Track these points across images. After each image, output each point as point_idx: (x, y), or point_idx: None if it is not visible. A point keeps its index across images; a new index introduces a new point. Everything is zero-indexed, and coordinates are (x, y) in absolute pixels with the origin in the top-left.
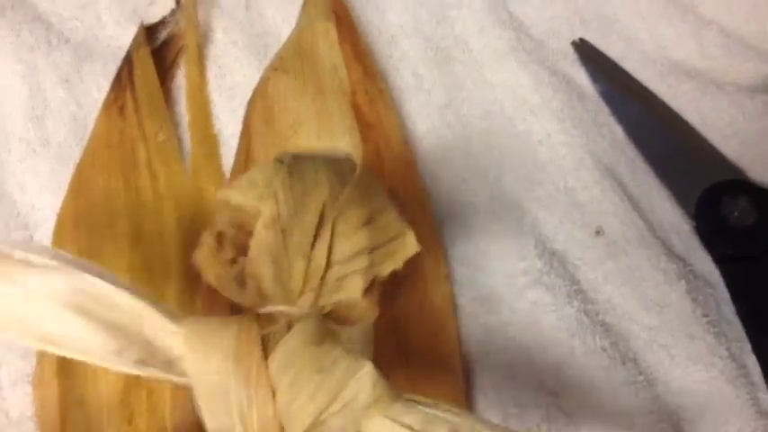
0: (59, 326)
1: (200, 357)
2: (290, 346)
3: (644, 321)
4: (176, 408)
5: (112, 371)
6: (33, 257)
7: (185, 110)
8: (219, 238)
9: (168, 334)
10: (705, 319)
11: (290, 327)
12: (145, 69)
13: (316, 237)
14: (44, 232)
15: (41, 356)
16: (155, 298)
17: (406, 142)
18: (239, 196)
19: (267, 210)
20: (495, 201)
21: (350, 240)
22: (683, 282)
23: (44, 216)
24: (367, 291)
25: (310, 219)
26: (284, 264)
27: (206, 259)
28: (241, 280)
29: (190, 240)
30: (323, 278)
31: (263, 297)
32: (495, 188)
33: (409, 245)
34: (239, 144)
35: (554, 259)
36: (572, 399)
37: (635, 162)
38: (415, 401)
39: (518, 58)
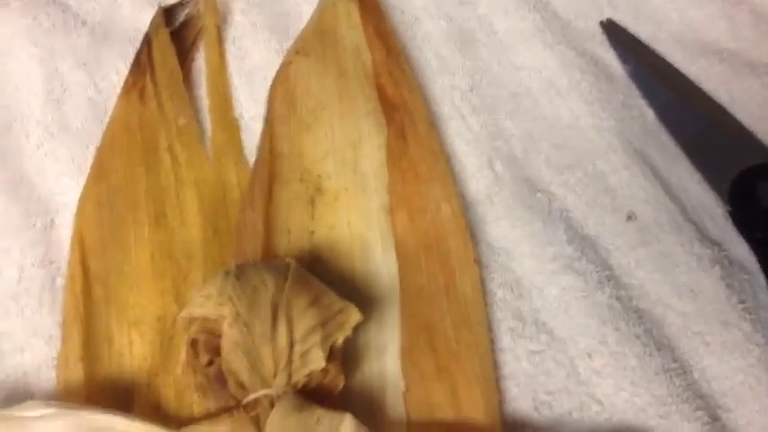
0: None
1: None
2: (276, 418)
3: (678, 308)
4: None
5: (137, 360)
6: (31, 412)
7: (205, 93)
8: (194, 345)
9: None
10: (741, 306)
11: (272, 405)
12: (164, 52)
13: (274, 325)
14: (65, 217)
15: (66, 340)
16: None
17: (431, 124)
18: (200, 309)
19: (227, 312)
20: (522, 185)
21: (303, 320)
22: (717, 267)
23: (65, 201)
24: (329, 360)
25: (265, 310)
26: (254, 354)
27: (187, 373)
28: (221, 379)
29: (213, 226)
30: (289, 357)
31: (243, 388)
32: (522, 172)
33: (353, 315)
34: (263, 131)
35: (584, 245)
36: (604, 386)
37: (666, 145)
38: None
39: (544, 39)
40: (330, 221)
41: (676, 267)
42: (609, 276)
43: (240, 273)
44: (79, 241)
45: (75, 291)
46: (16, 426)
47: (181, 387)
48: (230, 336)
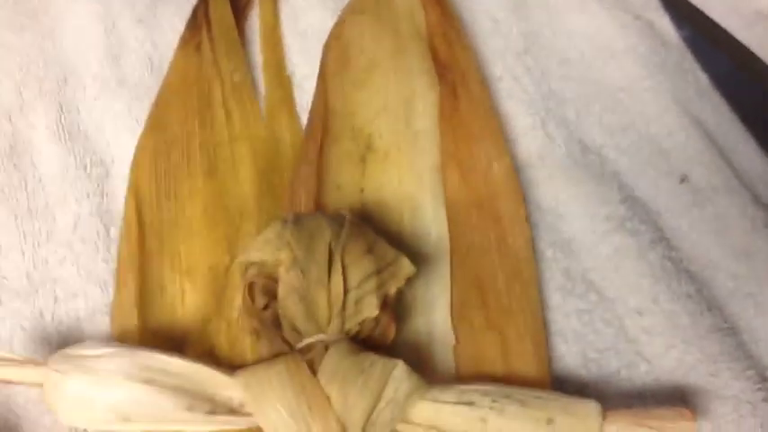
0: (134, 398)
1: (259, 395)
2: (332, 360)
3: (730, 269)
4: (255, 345)
5: (190, 308)
6: (90, 351)
7: (259, 51)
8: (251, 289)
9: (226, 386)
10: None
11: (326, 351)
12: (220, 8)
13: (330, 271)
14: (120, 168)
15: (120, 288)
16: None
17: (484, 85)
18: (258, 253)
19: (285, 256)
20: (574, 146)
21: (358, 267)
22: None
23: (120, 153)
24: (382, 309)
25: (321, 256)
26: (309, 299)
27: (242, 316)
28: (276, 323)
29: (266, 181)
30: (344, 304)
31: (297, 332)
32: (575, 133)
33: (406, 266)
34: (316, 88)
35: (637, 206)
36: (654, 345)
37: (721, 110)
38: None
39: (599, 3)
40: (380, 179)
41: (729, 230)
42: (661, 237)
43: (298, 221)
44: (134, 192)
45: (129, 240)
46: (75, 364)
47: (233, 334)
48: (287, 280)
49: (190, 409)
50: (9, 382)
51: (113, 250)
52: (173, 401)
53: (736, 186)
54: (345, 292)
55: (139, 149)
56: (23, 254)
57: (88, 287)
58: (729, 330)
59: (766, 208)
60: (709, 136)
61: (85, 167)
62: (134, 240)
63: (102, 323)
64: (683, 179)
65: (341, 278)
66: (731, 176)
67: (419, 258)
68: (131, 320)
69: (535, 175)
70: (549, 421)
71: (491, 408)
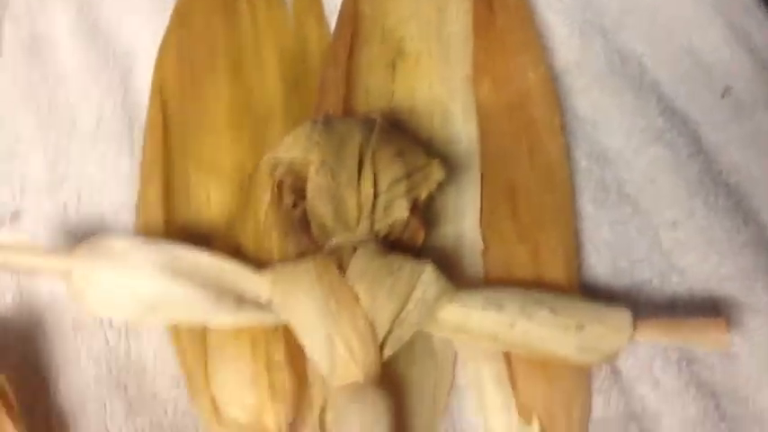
0: (161, 290)
1: (287, 293)
2: (361, 260)
3: None
4: (281, 245)
5: (215, 208)
6: (126, 242)
7: None
8: (279, 187)
9: (254, 283)
10: None
11: (355, 250)
12: None
13: (360, 172)
14: (144, 65)
15: (145, 186)
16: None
17: None
18: (287, 153)
19: (315, 156)
20: (614, 55)
21: (388, 170)
22: None
23: (144, 49)
24: (411, 213)
25: (351, 158)
26: (339, 199)
27: (270, 214)
28: (304, 222)
29: (292, 82)
30: (373, 206)
31: (326, 232)
32: (614, 43)
33: (437, 170)
34: None
35: (676, 118)
36: (688, 257)
37: (764, 23)
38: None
39: None
40: (410, 85)
41: None
42: (699, 150)
43: (328, 122)
44: (159, 88)
45: (154, 137)
46: (103, 254)
47: (260, 234)
48: (316, 180)
49: (217, 302)
50: (35, 272)
51: (137, 147)
52: (200, 295)
53: None
54: (375, 194)
55: (164, 46)
56: (46, 150)
57: (112, 183)
58: (766, 245)
59: None
60: (752, 49)
61: (108, 63)
62: (158, 138)
63: (127, 221)
64: (725, 92)
65: (371, 180)
66: None
67: (449, 165)
68: (157, 218)
69: (572, 84)
70: (579, 328)
71: (520, 313)
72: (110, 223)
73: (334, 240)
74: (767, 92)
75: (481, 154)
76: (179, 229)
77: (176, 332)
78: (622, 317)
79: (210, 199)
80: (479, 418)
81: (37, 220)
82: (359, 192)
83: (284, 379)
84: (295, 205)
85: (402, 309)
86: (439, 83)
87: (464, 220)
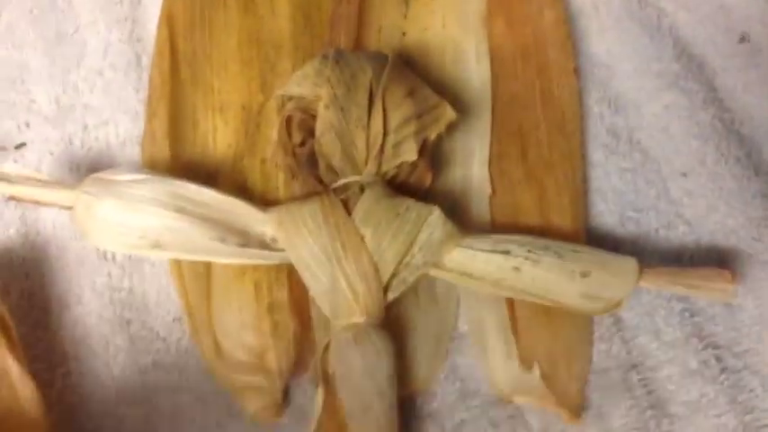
0: (165, 225)
1: (292, 232)
2: (368, 201)
3: None
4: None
5: (222, 144)
6: (122, 176)
7: None
8: (288, 124)
9: (260, 221)
10: None
11: (362, 191)
12: None
13: (369, 111)
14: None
15: (151, 118)
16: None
17: None
18: (297, 88)
19: (324, 93)
20: None
21: (398, 110)
22: None
23: None
24: (420, 154)
25: (362, 96)
26: (347, 138)
27: (277, 152)
28: (312, 161)
29: (303, 17)
30: (382, 146)
31: (333, 172)
32: None
33: (448, 112)
34: None
35: (692, 63)
36: (696, 207)
37: None
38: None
39: None
40: (423, 23)
41: None
42: (714, 98)
43: (339, 57)
44: (167, 20)
45: (162, 69)
46: (107, 187)
47: (267, 172)
48: (325, 117)
49: (221, 240)
50: (38, 203)
51: (145, 79)
52: (204, 231)
53: None
54: (384, 134)
55: None
56: (53, 78)
57: (118, 115)
58: None
59: None
60: None
61: None
62: (166, 70)
63: (133, 153)
64: (743, 38)
65: (380, 119)
66: None
67: (460, 106)
68: (163, 151)
69: (588, 26)
70: (585, 274)
71: (526, 258)
72: (116, 156)
73: (342, 180)
74: None
75: (493, 96)
76: (185, 164)
77: (179, 270)
78: (628, 264)
79: (218, 134)
80: (481, 363)
81: (42, 152)
82: (368, 130)
83: (287, 320)
84: (303, 143)
85: (407, 251)
86: (452, 21)
87: (473, 164)
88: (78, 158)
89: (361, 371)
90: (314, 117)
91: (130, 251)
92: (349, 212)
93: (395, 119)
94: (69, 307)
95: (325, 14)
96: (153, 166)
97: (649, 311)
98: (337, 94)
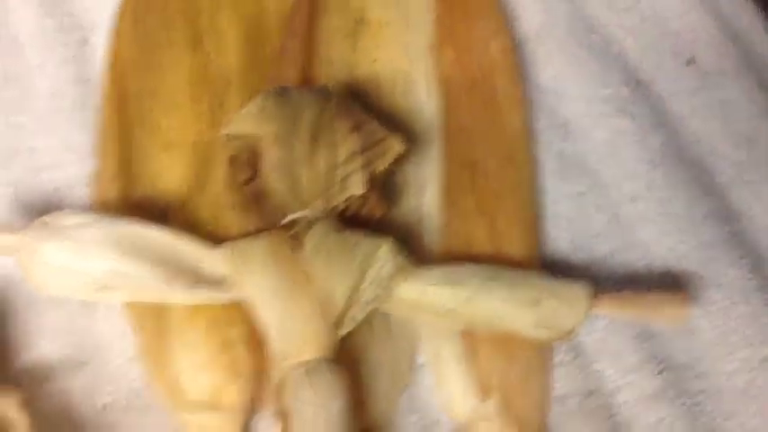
0: (112, 268)
1: (242, 270)
2: (316, 237)
3: (732, 156)
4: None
5: (172, 182)
6: (67, 221)
7: None
8: (234, 161)
9: (209, 259)
10: None
11: (310, 227)
12: None
13: (315, 147)
14: (99, 35)
15: (101, 159)
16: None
17: None
18: (241, 126)
19: (268, 130)
20: (578, 23)
21: (344, 145)
22: None
23: (100, 18)
24: (369, 187)
25: (306, 132)
26: (294, 174)
27: (227, 191)
28: (260, 198)
29: (251, 53)
30: (329, 181)
31: (282, 208)
32: (578, 11)
33: (395, 145)
34: None
35: (640, 88)
36: (647, 231)
37: None
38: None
39: None
40: (372, 55)
41: (734, 115)
42: (663, 122)
43: (282, 94)
44: (114, 60)
45: (110, 110)
46: (53, 232)
47: (217, 210)
48: (270, 155)
49: (171, 280)
50: None
51: (92, 120)
52: (153, 272)
53: (744, 70)
54: (331, 169)
55: (120, 15)
56: None
57: (67, 157)
58: (726, 218)
59: None
60: (719, 17)
61: (64, 32)
62: (114, 110)
63: (82, 194)
64: (690, 61)
65: (327, 155)
66: (740, 60)
67: (411, 137)
68: (112, 192)
69: (535, 53)
70: (536, 303)
71: (477, 289)
72: (65, 198)
73: (290, 216)
74: (733, 60)
75: (443, 127)
76: (135, 204)
77: (132, 311)
78: (580, 291)
79: (168, 173)
80: (440, 394)
81: None
82: (314, 166)
83: (242, 357)
84: (250, 180)
85: (358, 286)
86: (401, 52)
87: (425, 195)
88: (27, 202)
89: (313, 407)
90: (259, 155)
91: (78, 296)
92: (298, 248)
93: (341, 153)
94: (24, 351)
95: (273, 50)
96: (103, 207)
97: (606, 336)
98: (281, 132)
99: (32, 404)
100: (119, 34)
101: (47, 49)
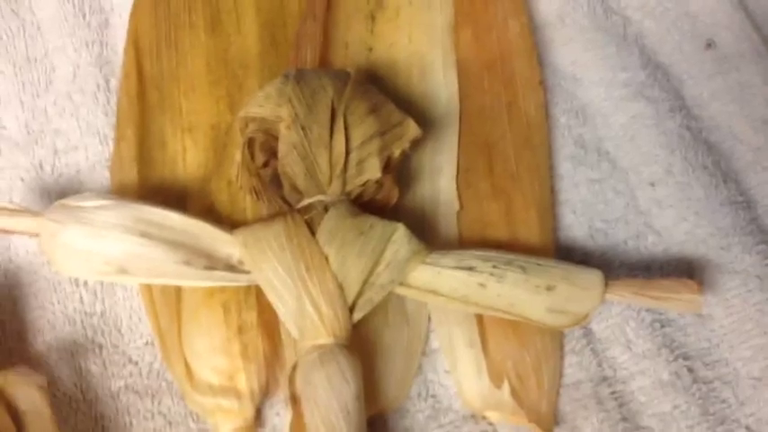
0: (130, 251)
1: (258, 254)
2: (331, 221)
3: (750, 141)
4: (255, 203)
5: (191, 165)
6: (88, 202)
7: None
8: (251, 144)
9: (225, 243)
10: None
11: (326, 211)
12: None
13: (332, 129)
14: (120, 17)
15: (120, 141)
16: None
17: None
18: (258, 109)
19: (285, 113)
20: (597, 6)
21: (361, 127)
22: None
23: (120, 3)
24: (385, 170)
25: (323, 114)
26: (310, 158)
27: (241, 174)
28: (276, 181)
29: (270, 35)
30: (345, 164)
31: (297, 192)
32: None
33: (411, 129)
34: None
35: (658, 72)
36: (665, 217)
37: None
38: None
39: None
40: (390, 38)
41: (753, 99)
42: (681, 106)
43: (300, 76)
44: (134, 42)
45: (129, 92)
46: (73, 214)
47: (234, 193)
48: (287, 137)
49: (187, 263)
50: (6, 232)
51: (113, 102)
52: (170, 255)
53: (763, 53)
54: (347, 152)
55: None
56: (22, 104)
57: (88, 139)
58: (744, 204)
59: None
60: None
61: (84, 15)
62: (134, 92)
63: (102, 176)
64: (709, 45)
65: (343, 138)
66: (759, 43)
67: (428, 122)
68: (131, 175)
69: (553, 36)
70: (550, 288)
71: (491, 273)
72: (86, 180)
73: (306, 200)
74: (752, 43)
75: (460, 110)
76: (154, 187)
77: (149, 294)
78: (593, 277)
79: (186, 156)
80: (451, 380)
81: (12, 179)
82: (330, 149)
83: (257, 341)
84: (267, 164)
85: (372, 270)
86: (419, 34)
87: (440, 179)
88: (48, 184)
89: (326, 392)
90: (276, 138)
91: (96, 277)
92: (314, 232)
93: (357, 137)
94: (44, 332)
95: (292, 33)
96: (122, 190)
97: (620, 323)
98: (298, 114)
99: (52, 386)
100: (139, 16)
101: (68, 32)
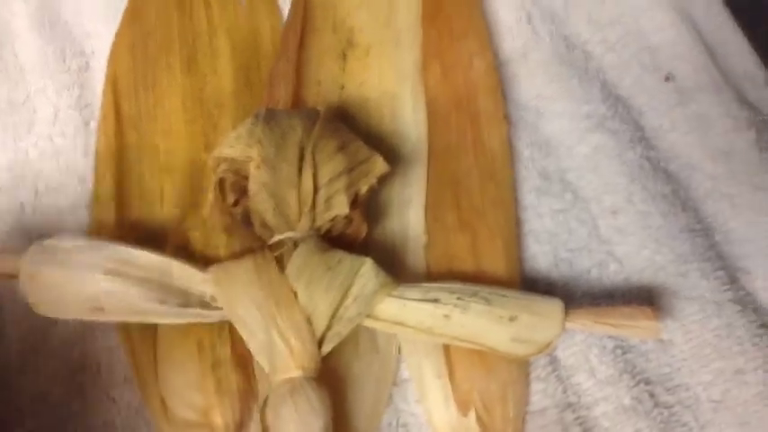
0: (106, 290)
1: (229, 290)
2: (300, 257)
3: (708, 170)
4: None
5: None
6: (64, 243)
7: None
8: (221, 185)
9: (198, 281)
10: None
11: (296, 247)
12: None
13: (300, 168)
14: (99, 60)
15: (99, 181)
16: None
17: None
18: (229, 149)
19: (255, 153)
20: (559, 42)
21: (329, 165)
22: (752, 130)
23: (99, 44)
24: (353, 206)
25: (292, 154)
26: (279, 196)
27: (213, 212)
28: (247, 219)
29: (244, 75)
30: (314, 201)
31: (268, 229)
32: (560, 29)
33: (379, 165)
34: None
35: (619, 104)
36: (626, 245)
37: (712, 6)
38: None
39: None
40: (360, 77)
41: (711, 129)
42: (641, 137)
43: (270, 117)
44: (112, 84)
45: (108, 132)
46: (49, 256)
47: (209, 230)
48: (257, 177)
49: (162, 301)
50: None
51: (92, 143)
52: (144, 294)
53: (721, 85)
54: (315, 189)
55: (117, 40)
56: (5, 146)
57: (68, 180)
58: (702, 231)
59: (751, 107)
60: (698, 32)
61: (65, 59)
62: (111, 133)
63: (83, 216)
64: (669, 77)
65: (311, 176)
66: (717, 75)
67: (397, 158)
68: (109, 214)
69: (517, 72)
70: (513, 318)
71: (455, 305)
72: (67, 220)
73: (276, 237)
74: (711, 75)
75: (428, 146)
76: (132, 226)
77: (127, 332)
78: (554, 306)
79: (164, 194)
80: (421, 410)
81: None
82: (299, 187)
83: (231, 377)
84: (238, 203)
85: (340, 304)
86: (389, 73)
87: (409, 213)
88: (30, 225)
89: (295, 424)
90: (247, 177)
91: (74, 317)
92: (283, 268)
93: (325, 174)
94: (26, 371)
95: (266, 73)
96: (100, 230)
97: (584, 350)
98: (267, 154)
99: (32, 417)
100: (117, 58)
101: (49, 75)
